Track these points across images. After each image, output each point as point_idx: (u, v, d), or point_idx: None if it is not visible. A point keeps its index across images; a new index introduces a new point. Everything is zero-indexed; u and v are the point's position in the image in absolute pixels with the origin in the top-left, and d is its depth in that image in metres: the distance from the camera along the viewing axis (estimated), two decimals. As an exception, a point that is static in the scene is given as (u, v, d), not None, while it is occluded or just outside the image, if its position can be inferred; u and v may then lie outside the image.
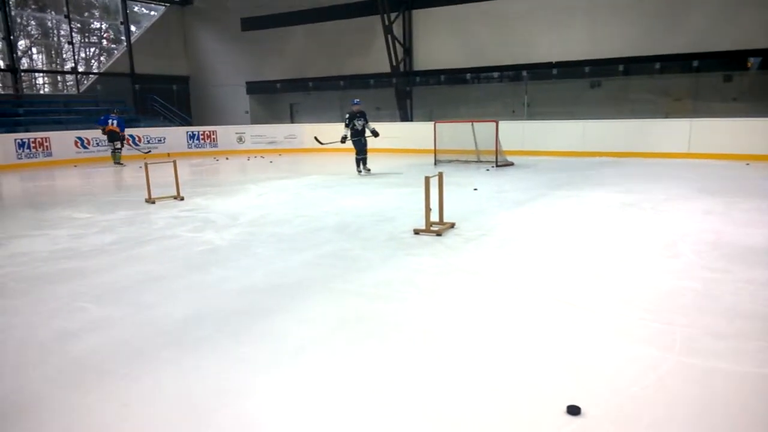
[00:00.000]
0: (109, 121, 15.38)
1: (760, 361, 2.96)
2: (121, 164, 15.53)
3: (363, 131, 11.98)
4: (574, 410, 2.46)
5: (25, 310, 4.07)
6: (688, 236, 5.66)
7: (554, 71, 16.96)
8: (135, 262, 5.29)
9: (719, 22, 14.51)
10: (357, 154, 12.19)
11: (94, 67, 26.09)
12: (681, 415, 2.48)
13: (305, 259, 5.23)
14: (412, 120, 19.61)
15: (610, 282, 4.34)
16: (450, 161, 13.99)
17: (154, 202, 8.67)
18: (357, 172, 12.14)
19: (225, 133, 19.24)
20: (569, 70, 16.83)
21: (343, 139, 12.00)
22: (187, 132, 18.92)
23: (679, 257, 4.95)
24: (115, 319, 3.82)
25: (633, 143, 14.11)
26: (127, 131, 16.54)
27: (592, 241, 5.69)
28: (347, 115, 11.93)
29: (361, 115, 11.92)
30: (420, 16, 19.22)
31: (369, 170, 12.22)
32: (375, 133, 12.18)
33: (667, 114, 15.46)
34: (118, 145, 15.69)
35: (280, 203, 8.57)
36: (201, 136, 18.89)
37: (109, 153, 15.98)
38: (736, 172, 10.73)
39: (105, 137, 15.74)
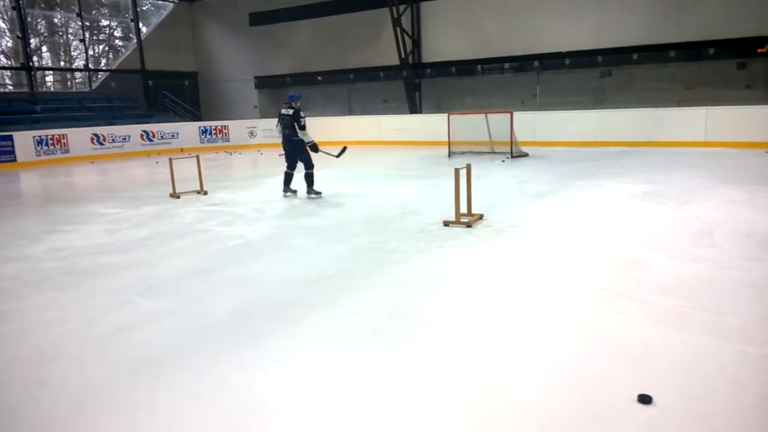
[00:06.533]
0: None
1: (812, 347, 3.01)
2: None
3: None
4: (645, 399, 2.50)
5: (77, 304, 4.14)
6: (719, 225, 5.67)
7: (566, 61, 16.93)
8: (173, 256, 5.36)
9: (729, 9, 14.43)
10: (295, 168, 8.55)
11: (102, 64, 26.17)
12: (746, 402, 2.52)
13: (341, 252, 5.29)
14: (420, 112, 19.62)
15: (650, 272, 4.36)
16: (463, 153, 14.02)
17: (178, 197, 8.73)
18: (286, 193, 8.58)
19: (236, 128, 19.32)
20: (580, 59, 16.80)
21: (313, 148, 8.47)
22: (200, 127, 19.03)
23: (715, 246, 4.98)
24: (165, 312, 3.89)
25: (647, 132, 14.06)
26: (142, 126, 17.91)
27: (623, 231, 5.71)
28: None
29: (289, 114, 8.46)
30: (428, 8, 19.18)
31: (319, 194, 8.38)
32: (313, 148, 8.45)
33: (678, 102, 15.42)
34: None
35: (303, 197, 8.61)
36: (213, 131, 18.97)
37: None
38: (756, 160, 10.72)
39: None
